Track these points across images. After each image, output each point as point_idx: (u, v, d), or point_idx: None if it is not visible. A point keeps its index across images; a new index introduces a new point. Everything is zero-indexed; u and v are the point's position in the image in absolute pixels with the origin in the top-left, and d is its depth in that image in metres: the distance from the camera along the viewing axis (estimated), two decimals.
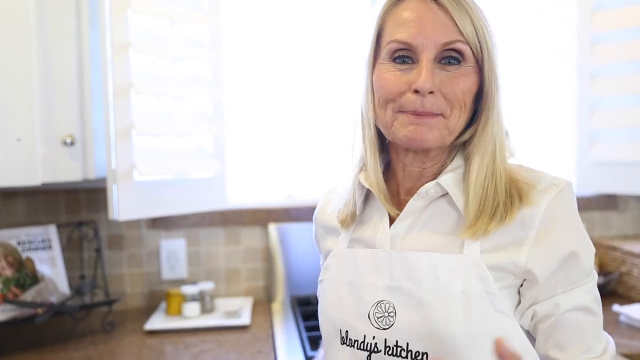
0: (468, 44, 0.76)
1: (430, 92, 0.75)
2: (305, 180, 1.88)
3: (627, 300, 1.66)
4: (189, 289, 1.60)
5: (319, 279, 0.91)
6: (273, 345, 1.41)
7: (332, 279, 0.87)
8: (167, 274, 1.75)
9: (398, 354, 0.76)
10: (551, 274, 0.75)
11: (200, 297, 1.62)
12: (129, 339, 1.47)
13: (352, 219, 0.88)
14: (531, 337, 0.78)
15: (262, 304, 1.75)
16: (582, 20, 1.79)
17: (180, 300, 1.61)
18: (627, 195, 1.94)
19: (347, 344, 0.81)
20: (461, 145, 0.82)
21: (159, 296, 1.75)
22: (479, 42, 0.76)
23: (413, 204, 0.82)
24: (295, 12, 1.84)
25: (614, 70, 1.75)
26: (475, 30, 0.76)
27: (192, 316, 1.58)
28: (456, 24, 0.75)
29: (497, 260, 0.76)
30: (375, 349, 0.78)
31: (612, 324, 1.46)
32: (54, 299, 1.47)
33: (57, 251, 1.54)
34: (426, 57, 0.75)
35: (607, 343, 0.78)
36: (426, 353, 0.74)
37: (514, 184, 0.78)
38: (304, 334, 1.43)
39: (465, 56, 0.76)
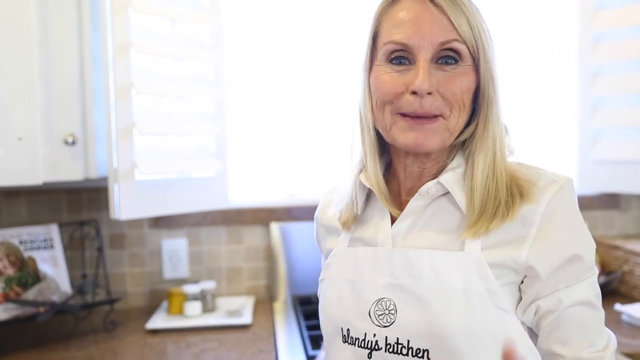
0: (465, 42, 0.76)
1: (429, 93, 0.74)
2: (307, 179, 1.88)
3: (629, 299, 1.65)
4: (190, 288, 1.60)
5: (320, 278, 0.91)
6: (274, 345, 1.41)
7: (333, 278, 0.87)
8: (168, 273, 1.75)
9: (399, 352, 0.76)
10: (553, 272, 0.75)
11: (201, 296, 1.62)
12: (130, 338, 1.47)
13: (353, 220, 0.89)
14: (532, 334, 0.78)
15: (264, 303, 1.75)
16: (584, 19, 1.79)
17: (181, 300, 1.61)
18: (629, 195, 1.93)
19: (348, 342, 0.81)
20: (461, 144, 0.82)
21: (161, 295, 1.75)
22: (475, 40, 0.76)
23: (414, 204, 0.82)
24: (297, 10, 1.84)
25: (616, 69, 1.75)
26: (471, 29, 0.76)
27: (193, 315, 1.58)
28: (452, 23, 0.75)
29: (498, 257, 0.76)
30: (376, 347, 0.78)
31: (614, 323, 1.46)
32: (55, 298, 1.48)
33: (58, 250, 1.54)
34: (423, 58, 0.75)
35: (609, 338, 0.78)
36: (427, 350, 0.74)
37: (515, 182, 0.78)
38: (306, 333, 1.43)
39: (462, 55, 0.76)
